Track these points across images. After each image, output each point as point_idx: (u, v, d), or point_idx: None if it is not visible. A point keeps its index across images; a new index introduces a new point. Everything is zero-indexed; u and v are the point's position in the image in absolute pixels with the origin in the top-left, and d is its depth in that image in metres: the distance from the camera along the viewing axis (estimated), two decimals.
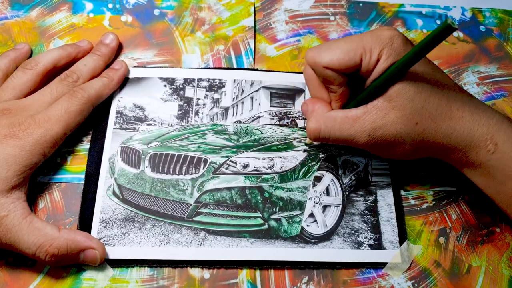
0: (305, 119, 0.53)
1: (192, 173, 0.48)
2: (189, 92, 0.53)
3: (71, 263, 0.43)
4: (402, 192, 0.51)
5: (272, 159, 0.49)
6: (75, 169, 0.49)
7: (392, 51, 0.41)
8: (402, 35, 0.42)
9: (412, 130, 0.42)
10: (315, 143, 0.49)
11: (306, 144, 0.50)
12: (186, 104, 0.53)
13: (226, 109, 0.53)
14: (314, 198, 0.48)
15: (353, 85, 0.44)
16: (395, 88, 0.41)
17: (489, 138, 0.42)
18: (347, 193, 0.50)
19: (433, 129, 0.42)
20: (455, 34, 0.60)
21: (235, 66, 0.55)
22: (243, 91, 0.54)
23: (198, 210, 0.47)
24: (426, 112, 0.42)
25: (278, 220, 0.47)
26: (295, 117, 0.53)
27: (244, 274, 0.46)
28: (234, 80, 0.54)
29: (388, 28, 0.42)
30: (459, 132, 0.43)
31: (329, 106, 0.45)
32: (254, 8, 0.59)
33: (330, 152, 0.50)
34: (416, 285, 0.46)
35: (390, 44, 0.41)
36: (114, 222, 0.46)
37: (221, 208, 0.47)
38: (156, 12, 0.58)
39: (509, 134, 0.43)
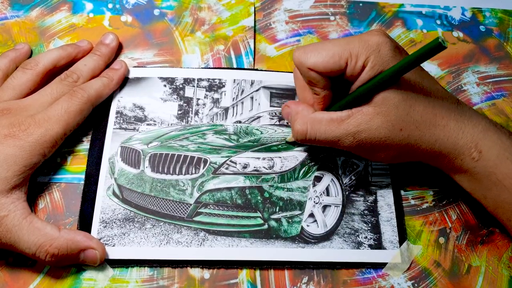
0: None
1: (192, 173, 0.48)
2: (189, 92, 0.53)
3: (71, 263, 0.44)
4: (402, 192, 0.51)
5: (272, 159, 0.49)
6: (75, 169, 0.49)
7: (379, 59, 0.41)
8: (391, 41, 0.42)
9: (396, 136, 0.42)
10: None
11: (287, 142, 0.50)
12: (186, 104, 0.53)
13: (226, 109, 0.53)
14: (314, 198, 0.48)
15: (336, 88, 0.44)
16: (380, 95, 0.41)
17: (473, 146, 0.43)
18: (347, 193, 0.50)
19: (418, 136, 0.42)
20: (455, 34, 0.60)
21: (235, 66, 0.55)
22: (243, 91, 0.54)
23: (198, 210, 0.47)
24: (410, 119, 0.42)
25: (278, 220, 0.47)
26: None
27: (244, 274, 0.46)
28: (234, 80, 0.54)
29: (378, 33, 0.42)
30: (443, 140, 0.43)
31: (312, 109, 0.45)
32: (254, 8, 0.59)
33: (330, 152, 0.50)
34: (416, 285, 0.46)
35: (377, 51, 0.41)
36: (114, 222, 0.46)
37: (221, 208, 0.47)
38: (156, 12, 0.58)
39: (494, 141, 0.43)
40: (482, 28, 0.61)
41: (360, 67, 0.41)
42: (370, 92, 0.41)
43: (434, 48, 0.37)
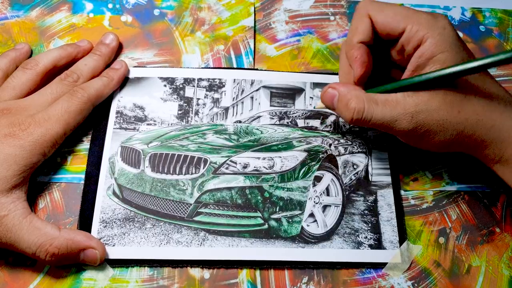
0: (305, 118, 0.53)
1: (192, 173, 0.48)
2: (189, 92, 0.53)
3: (71, 262, 0.44)
4: (402, 192, 0.51)
5: (272, 159, 0.49)
6: (75, 169, 0.49)
7: (443, 38, 0.41)
8: (453, 29, 0.42)
9: (454, 118, 0.42)
10: (323, 106, 0.47)
11: (315, 108, 0.49)
12: (186, 104, 0.53)
13: (226, 109, 0.53)
14: (314, 198, 0.48)
15: (378, 72, 0.44)
16: None
17: None
18: (347, 193, 0.50)
19: (475, 120, 0.42)
20: None
21: (235, 66, 0.55)
22: (243, 90, 0.54)
23: (198, 210, 0.47)
24: (468, 101, 0.42)
25: (278, 220, 0.47)
26: (295, 116, 0.53)
27: (244, 274, 0.46)
28: (234, 80, 0.54)
29: (444, 17, 0.43)
30: (499, 126, 0.42)
31: (363, 90, 0.44)
32: (254, 8, 0.59)
33: (330, 152, 0.50)
34: (416, 285, 0.46)
35: (443, 29, 0.42)
36: (114, 222, 0.46)
37: (221, 208, 0.47)
38: (156, 12, 0.58)
39: None
40: (482, 28, 0.61)
41: (418, 39, 0.41)
42: (433, 83, 0.41)
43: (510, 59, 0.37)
